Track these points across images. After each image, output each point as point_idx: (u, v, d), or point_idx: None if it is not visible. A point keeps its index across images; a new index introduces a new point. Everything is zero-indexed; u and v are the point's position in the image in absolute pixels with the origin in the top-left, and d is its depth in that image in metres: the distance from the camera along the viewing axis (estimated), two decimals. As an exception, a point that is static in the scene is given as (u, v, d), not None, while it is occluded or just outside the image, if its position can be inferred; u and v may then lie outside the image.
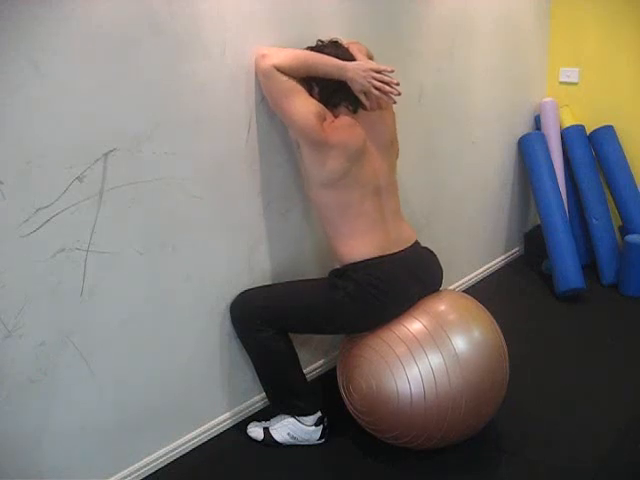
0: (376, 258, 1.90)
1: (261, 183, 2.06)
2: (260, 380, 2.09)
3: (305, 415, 2.03)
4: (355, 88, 1.87)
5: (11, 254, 1.52)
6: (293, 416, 2.05)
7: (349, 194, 1.90)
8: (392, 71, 1.87)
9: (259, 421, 2.14)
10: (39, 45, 1.46)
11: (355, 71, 1.84)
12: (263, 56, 1.87)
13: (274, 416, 2.11)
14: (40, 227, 1.55)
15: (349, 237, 1.93)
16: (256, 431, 2.10)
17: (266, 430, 2.08)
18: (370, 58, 2.07)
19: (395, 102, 1.91)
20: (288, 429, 2.05)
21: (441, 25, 2.64)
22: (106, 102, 1.61)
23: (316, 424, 2.04)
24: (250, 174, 2.03)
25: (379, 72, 1.84)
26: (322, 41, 1.96)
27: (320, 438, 2.06)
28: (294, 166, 2.14)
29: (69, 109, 1.55)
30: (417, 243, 2.05)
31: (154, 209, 1.79)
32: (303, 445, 2.06)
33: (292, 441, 2.05)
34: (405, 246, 1.98)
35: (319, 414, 2.05)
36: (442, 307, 1.95)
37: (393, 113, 2.05)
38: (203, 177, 1.89)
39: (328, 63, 1.85)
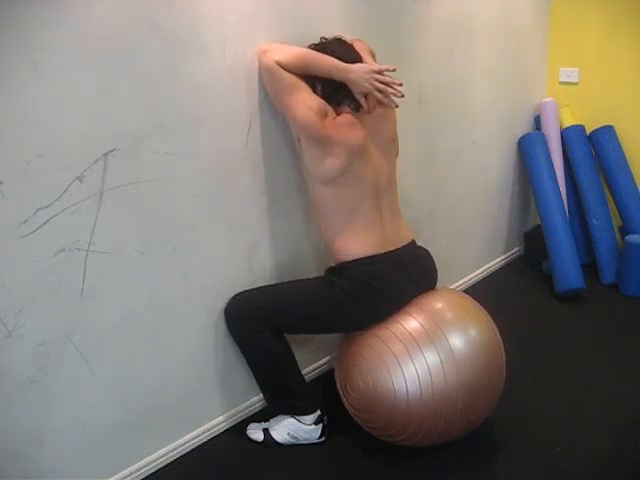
0: (371, 257, 1.91)
1: (261, 183, 2.06)
2: (257, 381, 2.08)
3: (304, 414, 2.03)
4: (355, 90, 1.86)
5: (11, 254, 1.52)
6: (292, 416, 2.05)
7: (348, 192, 1.90)
8: (393, 70, 1.86)
9: (258, 422, 2.14)
10: (39, 45, 1.46)
11: (358, 73, 1.83)
12: (265, 51, 1.88)
13: (273, 417, 2.11)
14: (40, 227, 1.55)
15: (344, 234, 1.93)
16: (256, 432, 2.10)
17: (266, 431, 2.08)
18: (372, 56, 2.06)
19: (397, 106, 1.91)
20: (288, 429, 2.05)
21: (441, 25, 2.64)
22: (106, 102, 1.62)
23: (315, 423, 2.04)
24: (250, 174, 2.03)
25: (380, 73, 1.84)
26: (326, 38, 1.95)
27: (320, 437, 2.06)
28: (294, 166, 2.14)
29: (69, 109, 1.55)
30: (413, 242, 2.05)
31: (154, 209, 1.79)
32: (303, 445, 2.06)
33: (292, 441, 2.05)
34: (400, 245, 1.98)
35: (318, 413, 2.05)
36: (439, 305, 1.95)
37: (394, 112, 2.04)
38: (203, 177, 1.89)
39: (329, 63, 1.84)
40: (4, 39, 1.41)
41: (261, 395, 2.20)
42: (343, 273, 1.93)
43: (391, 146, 2.03)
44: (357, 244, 1.92)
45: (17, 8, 1.41)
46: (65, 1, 1.48)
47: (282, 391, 2.05)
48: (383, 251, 1.93)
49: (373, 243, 1.93)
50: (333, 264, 2.02)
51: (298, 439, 2.05)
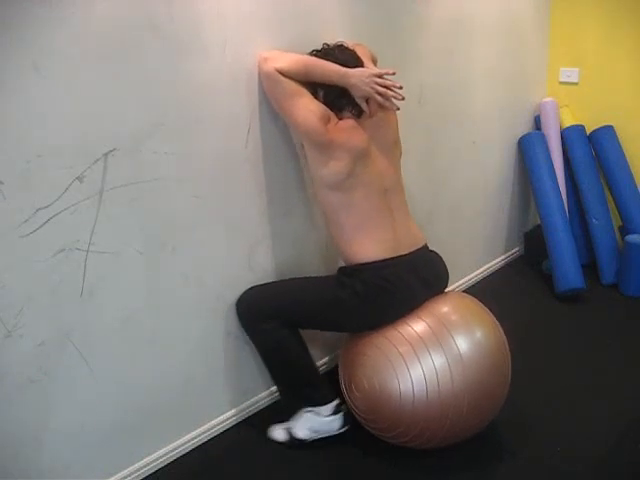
0: (385, 260, 1.91)
1: (261, 183, 2.06)
2: (271, 375, 2.07)
3: (321, 405, 2.01)
4: (356, 94, 1.87)
5: (11, 254, 1.52)
6: (309, 410, 2.03)
7: (354, 195, 1.91)
8: (393, 73, 1.87)
9: (280, 422, 2.11)
10: (39, 45, 1.46)
11: (358, 78, 1.84)
12: (265, 59, 1.88)
13: (292, 416, 2.08)
14: (40, 227, 1.55)
15: (356, 237, 1.93)
16: (278, 433, 2.08)
17: (288, 431, 2.06)
18: (374, 61, 2.07)
19: (398, 108, 1.91)
20: (308, 424, 2.03)
21: (441, 25, 2.64)
22: (106, 102, 1.62)
23: (334, 413, 2.02)
24: (250, 174, 2.03)
25: (380, 77, 1.84)
26: (328, 44, 1.96)
27: (342, 426, 2.03)
28: (294, 165, 2.14)
29: (69, 109, 1.55)
30: (425, 246, 2.05)
31: (154, 209, 1.79)
32: (304, 445, 2.05)
33: (315, 435, 2.03)
34: (413, 248, 1.98)
35: (335, 402, 2.03)
36: (446, 308, 1.95)
37: (395, 114, 2.04)
38: (203, 177, 1.89)
39: (330, 69, 1.85)
40: (4, 39, 1.41)
41: (262, 394, 2.21)
42: (355, 275, 1.93)
43: (394, 148, 2.03)
44: (369, 247, 1.92)
45: (17, 8, 1.41)
46: (65, 1, 1.48)
47: (296, 382, 2.03)
48: (396, 254, 1.92)
49: (386, 245, 1.92)
50: (343, 264, 2.02)
51: (320, 432, 2.03)
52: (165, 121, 1.75)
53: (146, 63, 1.68)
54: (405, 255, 1.94)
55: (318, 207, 2.08)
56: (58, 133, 1.54)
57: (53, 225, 1.57)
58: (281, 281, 2.13)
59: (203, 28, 1.78)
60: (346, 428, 2.04)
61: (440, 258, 2.10)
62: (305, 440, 2.04)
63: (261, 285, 2.06)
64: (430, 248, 2.11)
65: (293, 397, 2.08)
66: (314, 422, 2.03)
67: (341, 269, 2.01)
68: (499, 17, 2.97)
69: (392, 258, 1.91)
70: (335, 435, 2.04)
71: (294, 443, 2.05)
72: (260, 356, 2.05)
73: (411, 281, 1.93)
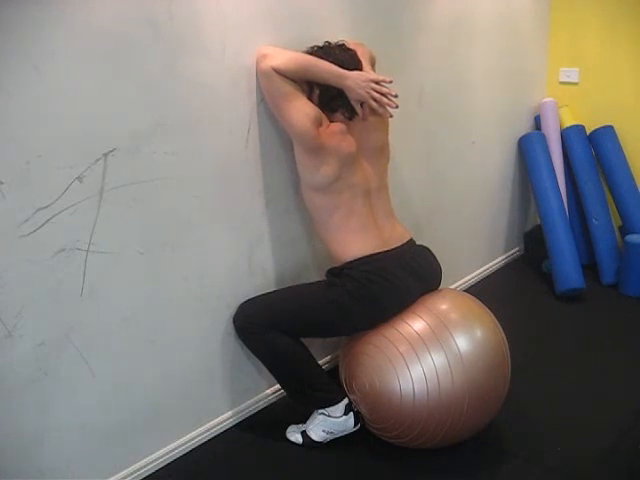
0: (371, 255, 1.93)
1: (261, 182, 2.06)
2: (279, 382, 2.08)
3: (331, 405, 2.00)
4: (351, 97, 1.87)
5: (11, 254, 1.52)
6: (321, 413, 2.02)
7: (339, 197, 1.94)
8: (390, 81, 1.87)
9: (297, 424, 2.11)
10: (39, 45, 1.46)
11: (355, 81, 1.84)
12: (264, 56, 1.88)
13: (308, 417, 2.08)
14: (40, 227, 1.55)
15: (340, 237, 1.96)
16: (294, 436, 2.08)
17: (304, 433, 2.06)
18: (372, 62, 2.08)
19: (392, 116, 1.91)
20: (321, 426, 2.02)
21: (441, 25, 2.64)
22: (106, 102, 1.62)
23: (345, 412, 2.01)
24: (250, 173, 2.03)
25: (377, 83, 1.85)
26: (329, 42, 1.96)
27: (355, 425, 2.02)
28: (294, 165, 2.14)
29: (69, 109, 1.55)
30: (411, 240, 2.07)
31: (154, 209, 1.79)
32: (305, 445, 2.05)
33: (330, 437, 2.03)
34: (399, 243, 2.00)
35: (345, 402, 2.01)
36: (445, 306, 1.96)
37: (388, 120, 2.04)
38: (203, 177, 1.89)
39: (328, 70, 1.85)
40: (4, 39, 1.41)
41: (262, 394, 2.22)
42: (344, 273, 1.94)
43: (379, 154, 2.05)
44: (355, 245, 1.95)
45: (17, 8, 1.41)
46: (65, 1, 1.48)
47: (303, 387, 2.02)
48: (382, 249, 1.95)
49: (371, 243, 1.95)
50: (334, 265, 2.03)
51: (334, 433, 2.03)
52: (165, 121, 1.75)
53: (146, 63, 1.68)
54: (391, 250, 1.96)
55: (304, 206, 2.08)
56: (58, 133, 1.54)
57: (53, 225, 1.57)
58: (275, 291, 2.12)
59: (203, 28, 1.78)
60: (359, 426, 2.03)
61: (429, 251, 2.11)
62: (320, 442, 2.04)
63: (255, 297, 2.05)
64: (429, 248, 2.12)
65: (303, 401, 2.07)
66: (327, 424, 2.02)
67: (329, 270, 2.02)
68: (499, 17, 2.97)
69: (378, 253, 1.93)
70: (343, 435, 2.03)
71: (310, 445, 2.05)
72: (265, 366, 2.04)
73: (400, 273, 1.94)
